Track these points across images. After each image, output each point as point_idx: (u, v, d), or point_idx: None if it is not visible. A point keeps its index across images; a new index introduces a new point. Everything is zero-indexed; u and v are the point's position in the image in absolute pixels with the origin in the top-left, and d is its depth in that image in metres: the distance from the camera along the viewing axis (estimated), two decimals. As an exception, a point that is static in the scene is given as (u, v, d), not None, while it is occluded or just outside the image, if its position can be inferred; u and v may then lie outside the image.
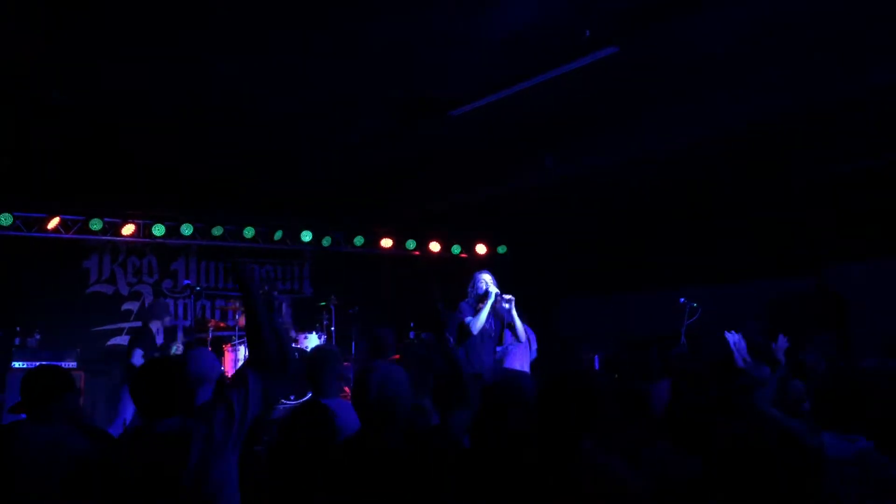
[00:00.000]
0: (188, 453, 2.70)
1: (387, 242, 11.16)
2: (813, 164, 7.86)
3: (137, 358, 7.58)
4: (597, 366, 9.26)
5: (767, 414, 3.62)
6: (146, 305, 8.24)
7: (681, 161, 8.04)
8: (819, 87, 6.05)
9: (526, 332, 6.40)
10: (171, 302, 8.88)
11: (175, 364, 3.10)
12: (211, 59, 5.82)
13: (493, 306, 6.10)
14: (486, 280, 6.21)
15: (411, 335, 9.73)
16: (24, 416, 3.40)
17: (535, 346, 8.06)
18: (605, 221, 10.42)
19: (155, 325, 7.85)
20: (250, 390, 2.85)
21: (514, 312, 6.17)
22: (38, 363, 7.95)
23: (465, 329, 6.05)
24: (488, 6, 5.09)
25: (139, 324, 8.88)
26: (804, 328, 5.98)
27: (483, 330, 6.06)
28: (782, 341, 4.40)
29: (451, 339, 6.37)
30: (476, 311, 6.12)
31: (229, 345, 8.62)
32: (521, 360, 6.80)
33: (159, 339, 10.15)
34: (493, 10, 5.14)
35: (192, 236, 9.81)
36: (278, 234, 10.39)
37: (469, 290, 6.33)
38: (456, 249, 11.74)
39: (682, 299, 7.55)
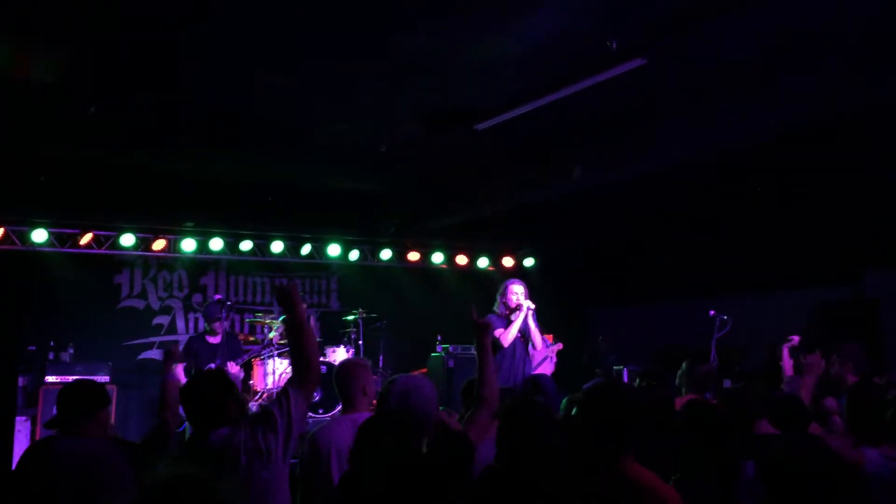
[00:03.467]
0: (238, 463, 2.77)
1: (413, 256, 11.17)
2: (850, 170, 7.73)
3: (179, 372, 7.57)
4: (625, 378, 9.18)
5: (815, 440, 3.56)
6: (206, 307, 8.34)
7: (712, 169, 7.94)
8: (854, 93, 5.95)
9: (543, 341, 6.45)
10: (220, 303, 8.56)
11: (224, 376, 3.15)
12: (245, 72, 5.90)
13: (524, 318, 6.09)
14: (518, 292, 6.18)
15: (438, 349, 9.72)
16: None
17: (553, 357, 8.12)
18: (635, 231, 10.34)
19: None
20: (292, 405, 2.93)
21: (532, 322, 6.17)
22: (71, 377, 8.10)
23: (497, 342, 6.03)
24: (515, 21, 5.10)
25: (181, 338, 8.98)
26: (838, 337, 5.86)
27: (514, 342, 6.04)
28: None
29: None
30: (507, 324, 6.09)
31: (258, 358, 8.67)
32: (542, 366, 6.79)
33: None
34: (520, 25, 5.16)
35: (222, 251, 9.90)
36: (306, 249, 10.45)
37: (498, 297, 6.30)
38: (483, 262, 11.72)
39: (712, 311, 7.43)
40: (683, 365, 4.93)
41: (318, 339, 8.95)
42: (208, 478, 1.66)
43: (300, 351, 3.06)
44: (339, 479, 3.01)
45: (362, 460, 2.83)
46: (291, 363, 3.18)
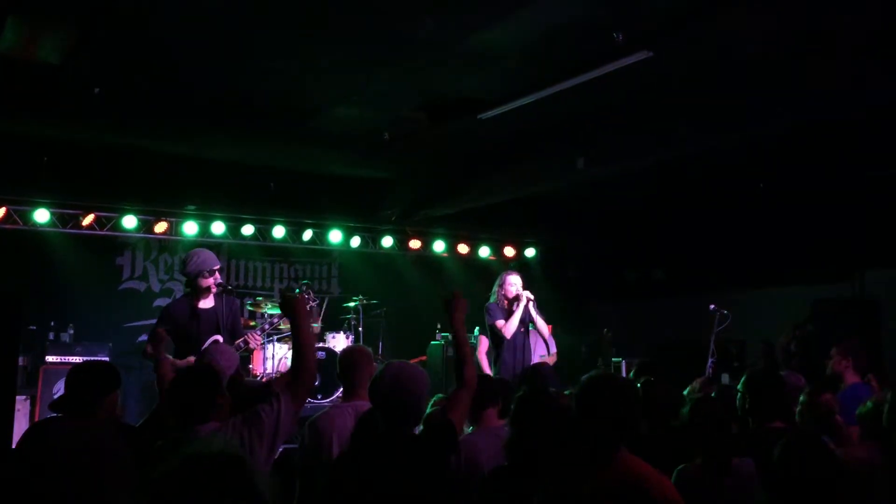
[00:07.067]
0: None
1: (415, 244, 11.17)
2: (851, 168, 7.72)
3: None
4: (623, 372, 9.20)
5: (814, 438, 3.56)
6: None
7: (714, 165, 7.94)
8: (857, 91, 5.94)
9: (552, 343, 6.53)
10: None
11: (211, 371, 3.14)
12: (249, 57, 5.88)
13: (524, 308, 6.11)
14: (515, 283, 6.21)
15: (438, 337, 9.74)
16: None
17: (553, 350, 8.12)
18: (637, 225, 10.33)
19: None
20: (283, 411, 2.94)
21: (535, 312, 6.20)
22: (71, 357, 8.06)
23: (499, 333, 6.07)
24: (521, 10, 5.08)
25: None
26: (839, 335, 5.87)
27: (516, 333, 6.07)
28: None
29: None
30: (508, 315, 6.11)
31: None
32: (541, 353, 6.81)
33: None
34: (526, 14, 5.13)
35: (224, 235, 9.90)
36: (308, 234, 10.45)
37: (496, 289, 6.33)
38: (484, 252, 11.72)
39: (713, 306, 7.45)
40: (694, 385, 4.99)
41: (319, 325, 8.98)
42: (245, 458, 1.63)
43: (301, 362, 3.07)
44: (335, 462, 3.04)
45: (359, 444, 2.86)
46: (291, 367, 3.18)
